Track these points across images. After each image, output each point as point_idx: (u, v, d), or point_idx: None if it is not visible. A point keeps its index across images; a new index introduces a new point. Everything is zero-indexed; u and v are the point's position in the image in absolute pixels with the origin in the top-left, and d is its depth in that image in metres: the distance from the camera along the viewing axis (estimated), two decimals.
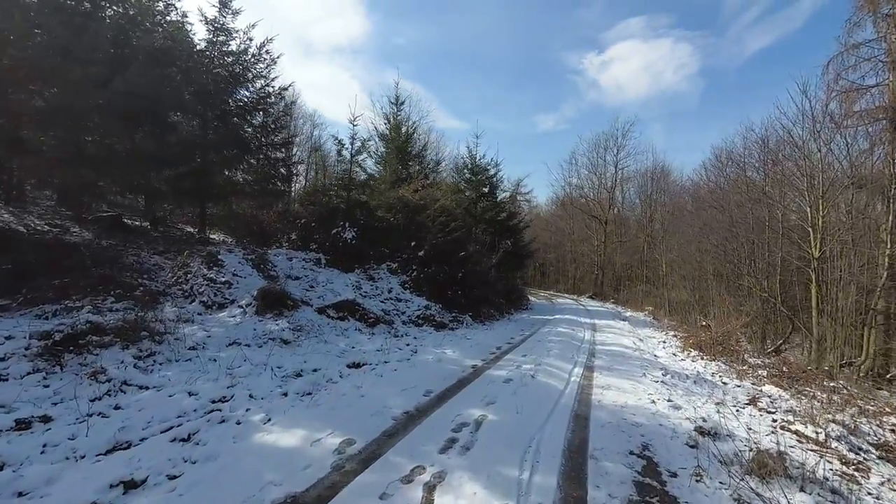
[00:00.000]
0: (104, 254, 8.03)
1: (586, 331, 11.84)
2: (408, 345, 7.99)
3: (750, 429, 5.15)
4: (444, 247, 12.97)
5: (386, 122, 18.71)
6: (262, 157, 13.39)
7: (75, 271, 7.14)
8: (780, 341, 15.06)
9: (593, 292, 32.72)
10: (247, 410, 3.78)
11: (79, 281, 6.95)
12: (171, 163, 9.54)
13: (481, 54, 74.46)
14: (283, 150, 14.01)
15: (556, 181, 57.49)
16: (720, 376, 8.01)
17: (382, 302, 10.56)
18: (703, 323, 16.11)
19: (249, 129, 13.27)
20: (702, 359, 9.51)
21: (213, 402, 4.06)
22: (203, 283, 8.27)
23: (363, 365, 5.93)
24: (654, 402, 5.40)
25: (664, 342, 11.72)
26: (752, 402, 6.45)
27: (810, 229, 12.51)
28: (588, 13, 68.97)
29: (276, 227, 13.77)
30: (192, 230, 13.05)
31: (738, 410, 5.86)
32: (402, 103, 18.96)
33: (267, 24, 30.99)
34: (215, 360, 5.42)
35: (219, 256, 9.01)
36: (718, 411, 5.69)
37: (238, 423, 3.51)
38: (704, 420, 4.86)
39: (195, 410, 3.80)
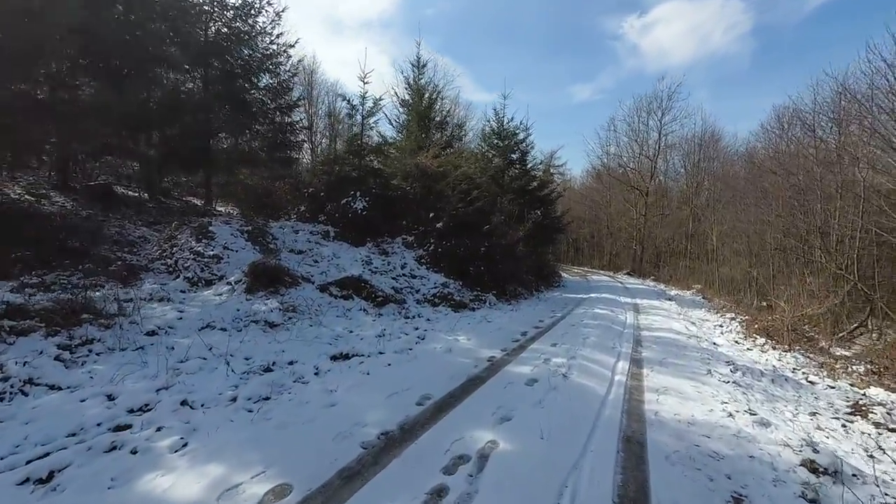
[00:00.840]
0: (82, 225, 7.28)
1: (628, 312, 10.33)
2: (416, 328, 6.85)
3: (871, 456, 3.70)
4: (466, 218, 11.63)
5: (407, 86, 17.22)
6: (268, 122, 12.38)
7: (44, 243, 6.39)
8: (855, 325, 12.95)
9: (631, 269, 30.54)
10: (158, 430, 2.72)
11: (45, 254, 6.20)
12: (157, 123, 8.60)
13: (513, 23, 70.32)
14: (291, 113, 12.93)
15: (593, 151, 54.07)
16: (803, 372, 6.43)
17: (394, 279, 9.45)
18: (765, 303, 14.13)
19: (254, 92, 12.24)
20: (773, 348, 7.87)
21: (131, 411, 3.05)
22: (189, 258, 7.41)
23: (352, 356, 4.83)
24: (730, 414, 4.00)
25: (721, 326, 10.05)
26: (859, 411, 4.91)
27: None
28: None
29: (287, 198, 12.85)
30: (198, 203, 12.36)
31: (844, 426, 4.37)
32: (424, 66, 17.33)
33: (294, 3, 29.73)
34: (173, 348, 4.46)
35: (209, 228, 8.12)
36: (819, 427, 4.23)
37: (134, 451, 2.46)
38: (811, 447, 3.44)
39: (98, 425, 2.79)
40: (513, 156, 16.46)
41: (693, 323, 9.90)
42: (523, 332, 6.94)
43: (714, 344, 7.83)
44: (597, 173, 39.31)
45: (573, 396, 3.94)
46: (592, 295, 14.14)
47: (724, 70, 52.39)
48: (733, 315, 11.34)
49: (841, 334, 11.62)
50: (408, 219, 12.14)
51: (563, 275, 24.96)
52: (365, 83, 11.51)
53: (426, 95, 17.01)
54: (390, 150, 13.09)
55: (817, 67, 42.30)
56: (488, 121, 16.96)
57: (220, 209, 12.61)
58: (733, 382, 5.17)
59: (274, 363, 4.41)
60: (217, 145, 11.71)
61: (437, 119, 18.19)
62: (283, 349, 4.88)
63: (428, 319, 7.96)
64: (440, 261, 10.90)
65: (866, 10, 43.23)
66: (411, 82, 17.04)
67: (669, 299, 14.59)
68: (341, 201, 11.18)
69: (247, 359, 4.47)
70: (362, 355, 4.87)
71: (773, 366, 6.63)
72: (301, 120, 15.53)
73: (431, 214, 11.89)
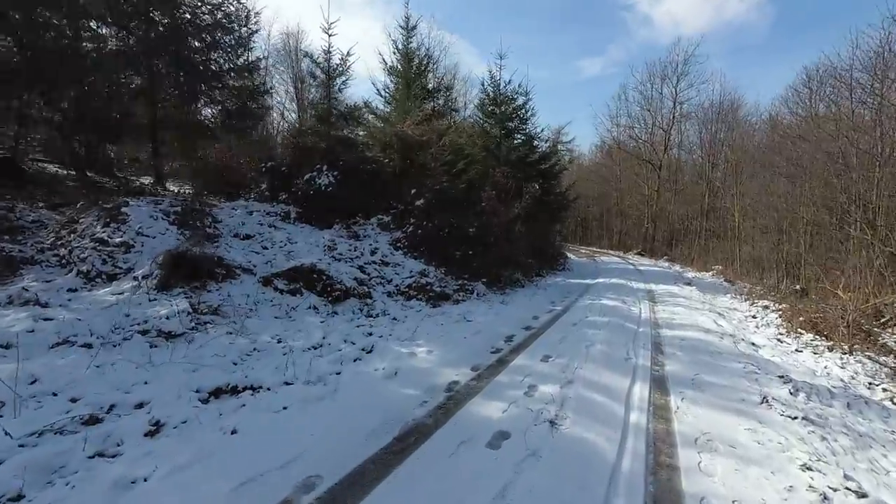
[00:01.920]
0: None
1: (642, 302, 8.70)
2: (370, 334, 5.31)
3: None
4: (452, 194, 9.98)
5: (395, 50, 15.25)
6: (224, 87, 10.70)
7: None
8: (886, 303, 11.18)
9: (642, 248, 28.69)
10: None
11: None
12: (60, 81, 7.00)
13: None
14: (252, 77, 11.22)
15: (602, 124, 51.27)
16: (883, 389, 4.80)
17: (360, 267, 7.90)
18: (798, 286, 12.36)
19: (211, 53, 10.55)
20: (829, 349, 6.23)
21: None
22: (88, 246, 5.90)
23: (242, 391, 3.30)
24: (825, 498, 2.43)
25: (755, 318, 8.40)
26: None
27: None
28: None
29: (251, 175, 11.25)
30: (145, 181, 10.83)
31: None
32: (414, 28, 15.31)
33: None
34: None
35: (122, 210, 6.59)
36: None
37: None
38: None
39: None
40: (510, 124, 14.57)
41: (721, 315, 8.24)
42: (508, 337, 5.36)
43: (753, 345, 6.20)
44: (607, 148, 37.04)
45: (564, 472, 2.37)
46: (600, 280, 12.48)
47: (741, 40, 49.05)
48: (766, 303, 9.64)
49: (887, 320, 9.89)
50: (387, 196, 10.50)
51: (570, 256, 23.24)
52: (330, 35, 9.71)
53: (416, 61, 15.12)
54: (366, 115, 11.30)
55: (836, 36, 39.00)
56: (482, 85, 15.03)
57: (172, 188, 11.08)
58: (803, 418, 3.57)
59: (110, 407, 2.91)
60: (162, 112, 10.11)
61: (430, 87, 16.34)
62: (148, 379, 3.37)
63: (394, 318, 6.42)
64: (420, 244, 9.30)
65: None
66: (399, 46, 15.10)
67: (688, 283, 12.89)
68: (304, 177, 9.56)
69: (72, 400, 2.97)
70: (258, 389, 3.34)
71: (840, 378, 5.01)
72: (270, 87, 13.82)
73: (413, 190, 10.24)
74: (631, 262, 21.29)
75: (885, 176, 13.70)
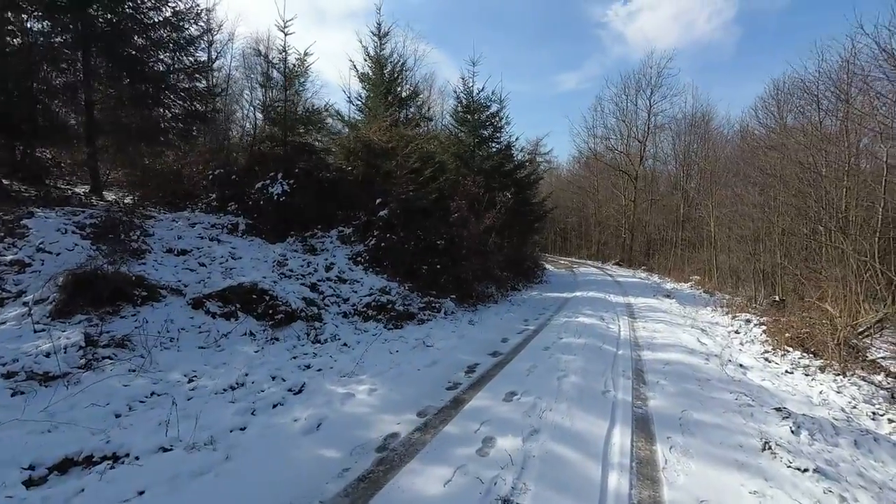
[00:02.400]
0: None
1: (621, 319, 8.13)
2: (307, 367, 4.52)
3: None
4: (420, 204, 9.29)
5: (367, 57, 14.63)
6: (167, 87, 9.80)
7: None
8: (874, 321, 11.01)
9: (620, 258, 28.59)
10: None
11: None
12: None
13: (500, 11, 67.60)
14: (200, 79, 10.36)
15: (579, 135, 51.83)
16: (889, 420, 4.27)
17: (312, 285, 7.09)
18: (776, 297, 12.08)
19: (158, 53, 9.67)
20: (820, 370, 5.74)
21: None
22: None
23: (96, 463, 2.47)
24: None
25: (739, 333, 7.93)
26: None
27: None
28: None
29: (203, 184, 10.31)
30: (80, 191, 9.77)
31: None
32: (386, 35, 14.76)
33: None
34: None
35: (23, 222, 5.64)
36: None
37: None
38: None
39: None
40: (484, 132, 14.07)
41: (704, 331, 7.74)
42: (471, 367, 4.64)
43: (741, 367, 5.66)
44: (584, 160, 37.24)
45: None
46: (578, 293, 11.94)
47: (709, 58, 51.04)
48: (748, 316, 9.23)
49: (862, 331, 9.61)
50: (350, 206, 9.74)
51: (548, 267, 22.82)
52: (286, 34, 9.00)
53: (388, 69, 14.55)
54: (328, 119, 10.56)
55: (799, 56, 40.85)
56: (455, 92, 14.53)
57: (112, 198, 10.03)
58: (814, 471, 2.95)
59: None
60: (101, 115, 9.14)
61: (403, 95, 15.76)
62: None
63: (343, 345, 5.63)
64: (383, 258, 8.54)
65: None
66: (371, 53, 14.50)
67: (667, 296, 12.48)
68: (255, 185, 8.73)
69: None
70: (120, 458, 2.50)
71: (840, 407, 4.47)
72: (222, 90, 12.90)
73: (378, 200, 9.50)
74: (609, 272, 20.99)
75: (853, 185, 13.77)
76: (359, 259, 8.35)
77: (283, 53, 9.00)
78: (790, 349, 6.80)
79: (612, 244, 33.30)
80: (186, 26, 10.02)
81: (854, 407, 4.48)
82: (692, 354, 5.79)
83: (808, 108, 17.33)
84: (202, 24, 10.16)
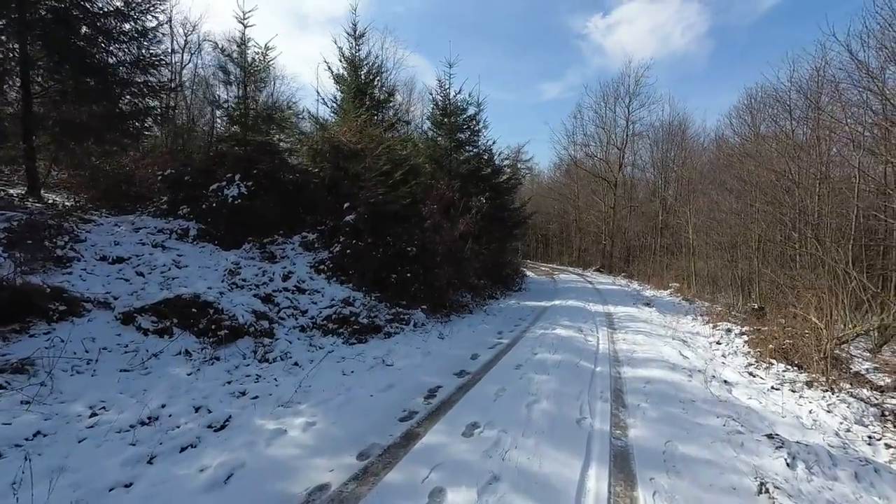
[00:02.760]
0: None
1: (600, 330, 7.73)
2: (241, 394, 3.91)
3: None
4: (390, 208, 8.75)
5: (341, 58, 14.07)
6: (114, 80, 9.06)
7: None
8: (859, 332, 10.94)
9: (601, 265, 28.57)
10: None
11: None
12: None
13: (484, 21, 68.40)
14: (156, 73, 9.64)
15: (559, 142, 52.22)
16: (886, 446, 3.92)
17: (267, 296, 6.46)
18: (755, 304, 11.95)
19: (93, 42, 8.92)
20: (808, 386, 5.42)
21: None
22: None
23: None
24: None
25: (720, 344, 7.63)
26: None
27: None
28: None
29: (157, 186, 9.54)
30: (15, 192, 8.89)
31: None
32: (362, 36, 14.26)
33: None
34: None
35: None
36: None
37: None
38: None
39: None
40: (460, 135, 13.65)
41: (685, 342, 7.40)
42: (431, 391, 4.12)
43: (726, 384, 5.29)
44: (565, 167, 37.41)
45: None
46: (557, 302, 11.55)
47: (685, 69, 52.74)
48: (729, 326, 8.97)
49: (842, 337, 9.47)
50: (316, 210, 9.13)
51: (529, 274, 22.51)
52: (245, 25, 8.39)
53: (364, 70, 14.04)
54: (291, 118, 9.94)
55: (768, 69, 42.47)
56: (430, 94, 14.11)
57: (54, 200, 9.17)
58: None
59: None
60: (42, 111, 8.35)
61: (380, 98, 15.25)
62: None
63: (294, 364, 5.03)
64: (349, 266, 7.95)
65: (818, 8, 43.84)
66: (346, 53, 13.95)
67: (647, 304, 12.21)
68: (210, 187, 8.05)
69: None
70: None
71: (834, 431, 4.10)
72: (178, 85, 12.10)
73: (346, 204, 8.92)
74: (590, 279, 20.79)
75: (827, 193, 13.91)
76: (322, 267, 7.74)
77: (242, 46, 8.38)
78: (774, 361, 6.50)
79: (593, 251, 33.36)
80: (140, 16, 9.32)
81: (848, 430, 4.12)
82: (674, 370, 5.40)
83: (780, 116, 17.61)
84: (159, 14, 9.47)
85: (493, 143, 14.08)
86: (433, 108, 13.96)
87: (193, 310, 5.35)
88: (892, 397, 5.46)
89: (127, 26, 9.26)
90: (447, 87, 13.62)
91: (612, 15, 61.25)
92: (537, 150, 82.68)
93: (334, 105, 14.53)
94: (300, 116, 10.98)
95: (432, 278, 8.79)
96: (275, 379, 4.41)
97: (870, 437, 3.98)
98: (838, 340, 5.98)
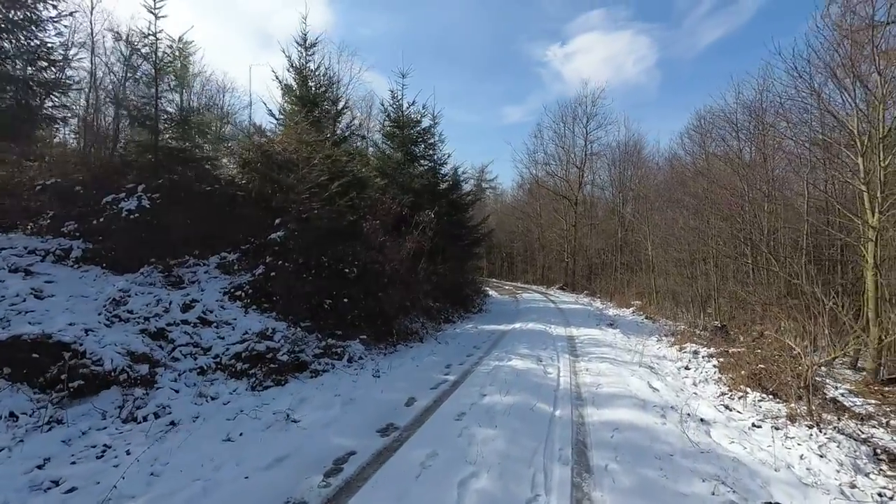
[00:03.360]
0: None
1: (561, 358, 6.93)
2: (53, 483, 2.71)
3: None
4: (326, 224, 7.70)
5: (290, 67, 13.04)
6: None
7: None
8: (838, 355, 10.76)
9: (564, 282, 28.38)
10: None
11: None
12: None
13: (450, 46, 70.24)
14: (49, 66, 8.27)
15: (521, 160, 53.06)
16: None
17: (159, 331, 5.21)
18: (717, 322, 11.62)
19: None
20: (790, 421, 4.76)
21: None
22: None
23: None
24: None
25: (689, 369, 7.00)
26: None
27: (864, 187, 7.97)
28: (551, 5, 67.86)
29: (37, 199, 8.00)
30: None
31: None
32: (314, 46, 13.34)
33: (223, 17, 25.18)
34: None
35: None
36: None
37: None
38: None
39: None
40: (414, 148, 12.87)
41: (653, 370, 6.70)
42: (335, 465, 3.06)
43: (703, 423, 4.54)
44: (528, 185, 37.62)
45: None
46: (517, 325, 10.74)
47: (638, 97, 56.15)
48: (695, 347, 8.43)
49: (821, 363, 9.17)
50: (243, 227, 7.93)
51: (492, 294, 21.79)
52: (157, 17, 7.27)
53: (314, 82, 13.08)
54: (212, 124, 8.75)
55: (706, 100, 45.96)
56: (382, 105, 13.32)
57: None
58: None
59: None
60: None
61: (331, 111, 14.29)
62: None
63: (171, 423, 3.84)
64: (275, 291, 6.79)
65: (747, 46, 48.17)
66: (295, 63, 12.95)
67: (611, 324, 11.64)
68: (103, 200, 6.72)
69: None
70: None
71: (837, 485, 3.38)
72: (73, 82, 10.60)
73: (278, 220, 7.79)
74: (553, 298, 20.29)
75: (776, 208, 14.14)
76: (238, 293, 6.53)
77: (153, 37, 7.23)
78: (748, 390, 5.88)
79: (556, 268, 33.26)
80: (34, 4, 7.98)
81: (853, 485, 3.41)
82: (645, 409, 4.60)
83: (729, 136, 18.08)
84: (52, 4, 8.15)
85: (449, 155, 13.37)
86: (385, 120, 13.15)
87: (36, 355, 4.06)
88: (873, 426, 4.94)
89: (19, 14, 7.91)
90: (400, 98, 12.89)
91: (570, 45, 64.48)
92: (501, 170, 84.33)
93: (282, 117, 13.45)
94: (239, 127, 9.81)
95: (375, 303, 7.75)
96: (127, 452, 3.22)
97: (880, 496, 3.28)
98: (817, 366, 5.43)
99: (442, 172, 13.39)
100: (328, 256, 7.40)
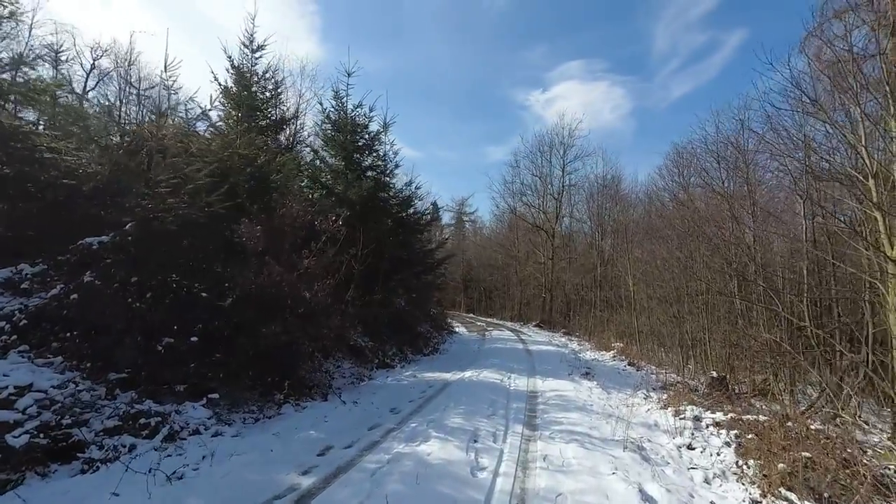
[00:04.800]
0: None
1: (510, 434, 4.66)
2: None
3: None
4: (186, 230, 5.48)
5: (231, 68, 11.15)
6: None
7: None
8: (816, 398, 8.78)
9: (541, 319, 26.27)
10: None
11: None
12: None
13: (434, 87, 72.31)
14: None
15: (498, 191, 52.36)
16: None
17: None
18: (714, 373, 9.52)
19: None
20: None
21: None
22: None
23: None
24: None
25: (692, 448, 4.83)
26: None
27: (877, 213, 6.20)
28: (532, 55, 71.02)
29: None
30: None
31: None
32: (261, 49, 11.56)
33: (213, 52, 23.77)
34: None
35: None
36: None
37: None
38: None
39: None
40: (359, 157, 10.90)
41: (644, 455, 4.49)
42: None
43: None
44: (506, 218, 36.25)
45: None
46: (467, 373, 8.43)
47: (614, 141, 58.14)
48: (696, 411, 6.28)
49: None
50: (86, 228, 5.61)
51: (460, 330, 19.47)
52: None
53: (256, 87, 11.22)
54: (48, 91, 6.52)
55: (689, 130, 47.11)
56: (320, 105, 11.46)
57: None
58: None
59: None
60: None
61: (275, 117, 12.39)
62: None
63: None
64: (76, 323, 4.42)
65: (715, 97, 50.15)
66: (236, 63, 11.08)
67: (587, 373, 9.45)
68: None
69: None
70: None
71: None
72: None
73: (129, 222, 5.50)
74: (524, 337, 18.05)
75: (765, 242, 12.72)
76: (5, 327, 4.15)
77: None
78: (791, 495, 3.76)
79: (534, 304, 31.25)
80: None
81: None
82: None
83: (711, 167, 16.80)
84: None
85: (398, 165, 11.37)
86: (324, 122, 11.23)
87: None
88: None
89: None
90: (344, 98, 11.04)
91: (551, 91, 67.02)
92: (480, 205, 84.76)
93: (220, 124, 11.38)
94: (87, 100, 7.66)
95: (253, 343, 5.42)
96: None
97: None
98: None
99: (391, 184, 11.38)
100: (181, 274, 5.12)
